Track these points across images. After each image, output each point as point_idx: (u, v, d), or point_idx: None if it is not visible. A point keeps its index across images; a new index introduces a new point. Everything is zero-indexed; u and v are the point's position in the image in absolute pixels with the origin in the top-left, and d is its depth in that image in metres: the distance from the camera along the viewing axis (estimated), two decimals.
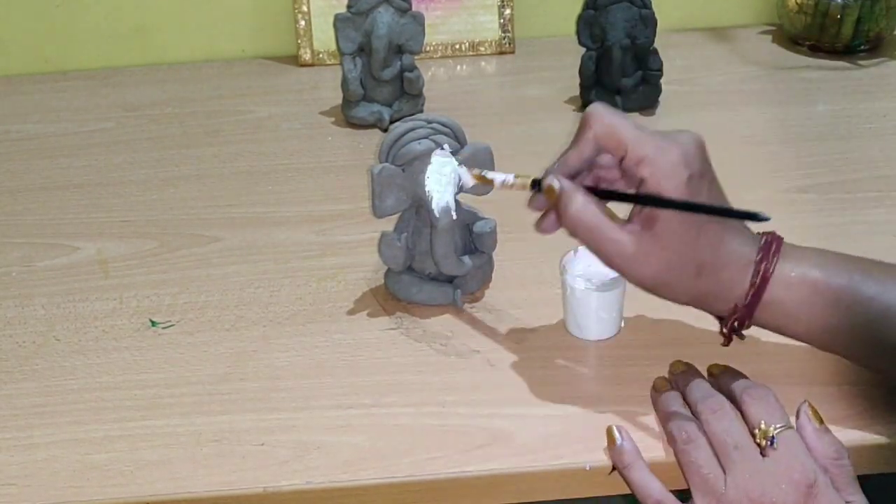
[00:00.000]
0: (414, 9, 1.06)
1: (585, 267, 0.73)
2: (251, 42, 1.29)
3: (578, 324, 0.74)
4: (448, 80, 1.22)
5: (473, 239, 0.79)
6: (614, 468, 0.63)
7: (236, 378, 0.72)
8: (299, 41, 1.25)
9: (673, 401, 0.64)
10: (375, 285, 0.81)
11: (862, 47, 1.23)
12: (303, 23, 1.24)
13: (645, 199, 0.62)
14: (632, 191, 0.63)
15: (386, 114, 1.08)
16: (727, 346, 0.68)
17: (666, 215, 0.62)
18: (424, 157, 0.73)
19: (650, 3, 1.06)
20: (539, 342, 0.74)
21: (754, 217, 0.60)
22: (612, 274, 0.67)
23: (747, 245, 0.64)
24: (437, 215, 0.74)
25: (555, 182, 0.64)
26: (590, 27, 1.07)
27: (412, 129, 0.74)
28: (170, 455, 0.65)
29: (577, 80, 1.10)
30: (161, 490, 0.63)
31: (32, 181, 1.01)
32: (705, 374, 0.67)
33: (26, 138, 1.11)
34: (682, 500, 0.60)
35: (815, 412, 0.62)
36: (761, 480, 0.58)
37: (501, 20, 1.26)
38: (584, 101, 1.11)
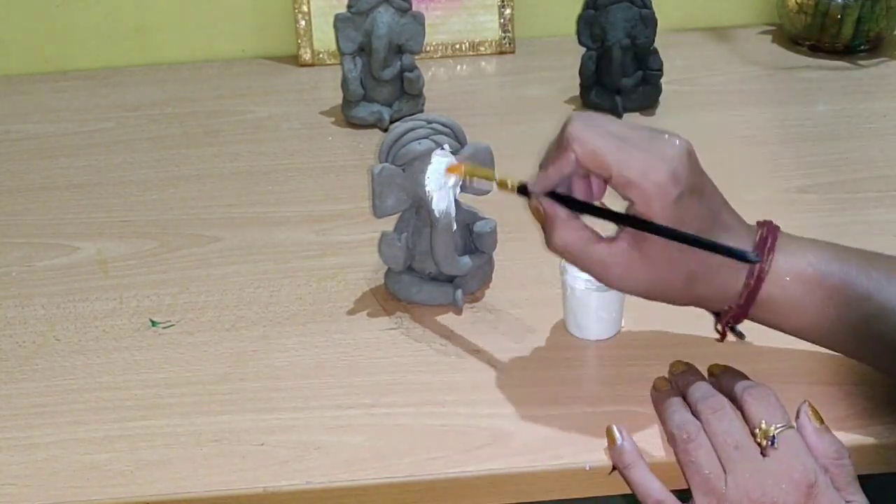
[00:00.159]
0: (414, 9, 1.06)
1: None
2: (251, 42, 1.29)
3: (578, 324, 0.74)
4: (448, 80, 1.22)
5: (473, 239, 0.79)
6: (614, 468, 0.63)
7: (236, 378, 0.72)
8: (299, 41, 1.25)
9: (673, 401, 0.64)
10: (375, 285, 0.81)
11: (862, 47, 1.23)
12: (303, 23, 1.24)
13: (630, 221, 0.61)
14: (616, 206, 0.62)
15: (386, 114, 1.08)
16: (722, 341, 0.68)
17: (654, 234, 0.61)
18: (425, 157, 0.73)
19: (650, 3, 1.06)
20: (539, 342, 0.74)
21: (741, 257, 0.60)
22: None
23: (742, 241, 0.63)
24: (437, 215, 0.74)
25: (539, 206, 0.64)
26: (590, 27, 1.07)
27: (412, 129, 0.74)
28: (170, 455, 0.65)
29: (577, 80, 1.11)
30: (161, 490, 0.63)
31: (32, 181, 1.01)
32: (705, 374, 0.67)
33: (26, 138, 1.11)
34: (682, 500, 0.60)
35: (816, 412, 0.62)
36: (762, 480, 0.58)
37: (501, 20, 1.26)
38: (584, 101, 1.11)
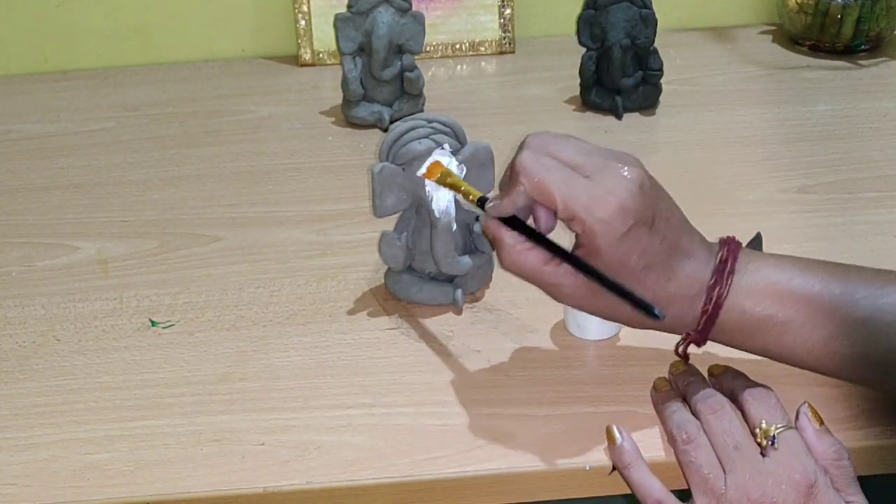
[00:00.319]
0: (414, 9, 1.06)
1: None
2: (251, 42, 1.29)
3: (578, 324, 0.74)
4: (448, 80, 1.22)
5: (473, 239, 0.79)
6: (614, 468, 0.63)
7: (236, 378, 0.72)
8: (299, 41, 1.25)
9: (673, 401, 0.64)
10: (375, 285, 0.81)
11: (862, 47, 1.22)
12: (303, 23, 1.24)
13: (567, 258, 0.61)
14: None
15: (386, 114, 1.08)
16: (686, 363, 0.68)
17: (604, 259, 0.60)
18: (425, 157, 0.73)
19: (650, 2, 1.06)
20: (539, 342, 0.74)
21: (648, 312, 0.59)
22: None
23: (700, 268, 0.62)
24: (437, 215, 0.74)
25: (487, 230, 0.64)
26: (590, 27, 1.07)
27: (413, 129, 0.74)
28: (170, 455, 0.65)
29: (577, 80, 1.11)
30: (161, 490, 0.63)
31: (32, 181, 1.01)
32: (705, 374, 0.67)
33: (26, 138, 1.11)
34: (682, 500, 0.60)
35: (815, 413, 0.62)
36: (762, 480, 0.58)
37: (501, 20, 1.26)
38: (584, 101, 1.11)
